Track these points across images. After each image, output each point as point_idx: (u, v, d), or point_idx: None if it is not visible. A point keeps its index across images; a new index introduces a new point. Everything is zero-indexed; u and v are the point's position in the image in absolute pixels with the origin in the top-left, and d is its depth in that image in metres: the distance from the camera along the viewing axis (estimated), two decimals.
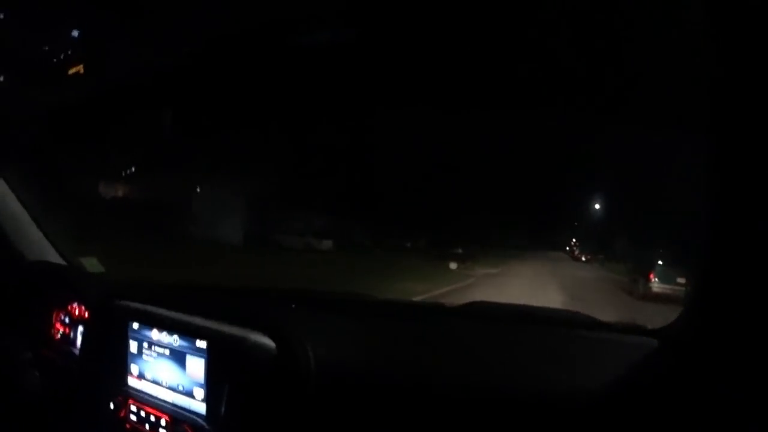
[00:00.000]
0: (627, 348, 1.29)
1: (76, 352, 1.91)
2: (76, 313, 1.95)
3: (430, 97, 1.47)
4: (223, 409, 1.44)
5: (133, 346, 1.67)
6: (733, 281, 0.99)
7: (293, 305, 1.68)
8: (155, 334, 1.61)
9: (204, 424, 1.47)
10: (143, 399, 1.62)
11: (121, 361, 1.69)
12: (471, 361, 1.35)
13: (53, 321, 2.03)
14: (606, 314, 1.59)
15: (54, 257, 2.19)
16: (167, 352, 1.58)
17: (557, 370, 1.26)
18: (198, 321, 1.55)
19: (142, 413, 1.59)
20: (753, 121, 0.79)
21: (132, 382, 1.68)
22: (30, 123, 2.08)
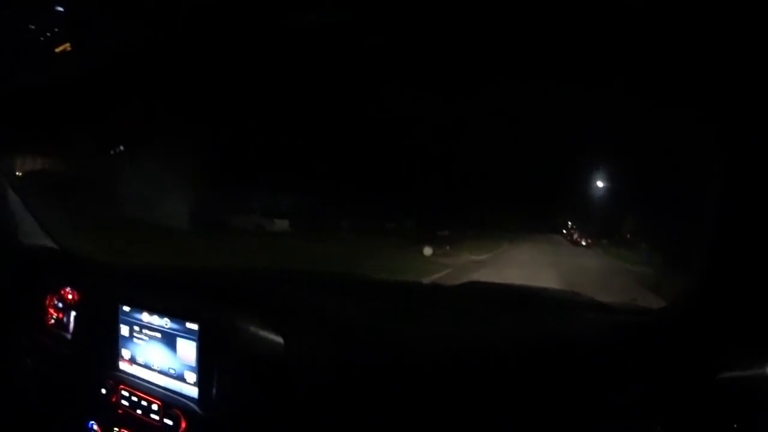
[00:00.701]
0: (627, 327, 1.31)
1: (69, 336, 1.91)
2: (69, 297, 1.95)
3: (420, 70, 1.45)
4: (214, 393, 1.43)
5: (125, 329, 1.66)
6: (734, 265, 1.00)
7: (288, 285, 1.67)
8: (146, 317, 1.60)
9: (196, 408, 1.46)
10: (135, 383, 1.61)
11: (112, 345, 1.68)
12: (468, 341, 1.35)
13: (47, 306, 2.03)
14: None
15: (47, 242, 2.19)
16: (158, 335, 1.57)
17: (557, 350, 1.26)
18: (189, 303, 1.53)
19: (134, 398, 1.58)
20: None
21: (123, 366, 1.67)
22: (20, 105, 2.07)
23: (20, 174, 2.19)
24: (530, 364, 1.22)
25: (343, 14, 1.30)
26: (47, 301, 2.02)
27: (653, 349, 1.22)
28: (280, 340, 1.41)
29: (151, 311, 1.58)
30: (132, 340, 1.64)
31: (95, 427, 1.69)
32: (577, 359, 1.21)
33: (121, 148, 1.99)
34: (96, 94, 1.98)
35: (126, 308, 1.65)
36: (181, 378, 1.52)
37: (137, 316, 1.62)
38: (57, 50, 1.81)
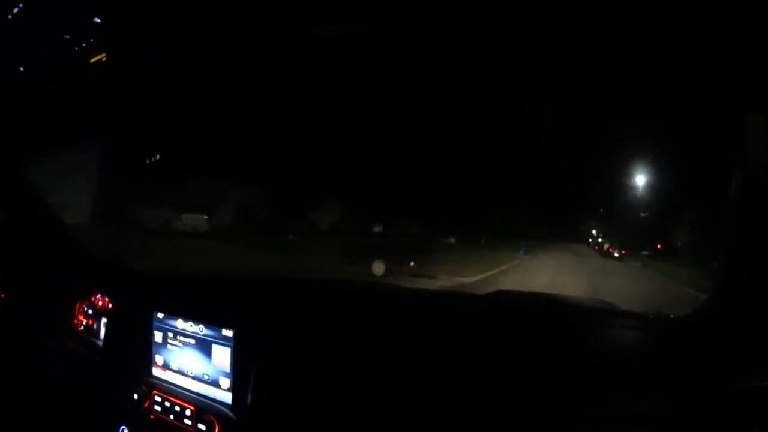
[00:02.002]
0: (652, 335, 1.39)
1: (99, 343, 1.98)
2: (100, 304, 2.03)
3: (444, 76, 1.51)
4: (249, 399, 1.50)
5: (158, 336, 1.73)
6: (758, 276, 1.05)
7: (320, 294, 1.74)
8: (180, 324, 1.67)
9: (229, 413, 1.52)
10: (168, 389, 1.68)
11: (145, 352, 1.75)
12: (495, 349, 1.40)
13: (76, 313, 2.11)
14: None
15: (77, 250, 2.28)
16: (193, 341, 1.64)
17: (584, 357, 1.33)
18: (224, 310, 1.61)
19: (167, 403, 1.65)
20: None
21: (156, 372, 1.73)
22: (52, 114, 2.15)
23: (49, 182, 2.28)
24: (559, 372, 1.28)
25: (367, 25, 1.37)
26: (77, 308, 2.11)
27: (678, 356, 1.29)
28: (313, 347, 1.48)
29: (186, 318, 1.65)
30: (165, 347, 1.71)
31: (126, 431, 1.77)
32: (604, 367, 1.26)
33: (157, 157, 2.07)
34: (128, 104, 2.07)
35: (160, 315, 1.72)
36: (215, 384, 1.58)
37: (171, 322, 1.69)
38: (92, 60, 1.88)
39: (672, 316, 1.46)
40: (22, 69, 1.93)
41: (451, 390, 1.30)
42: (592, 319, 1.50)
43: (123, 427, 1.76)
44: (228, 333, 1.55)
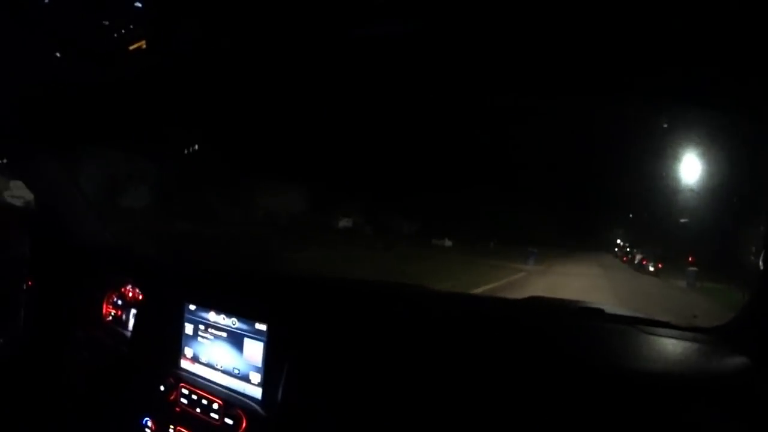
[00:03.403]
0: (685, 344, 1.39)
1: (127, 334, 2.02)
2: (130, 295, 2.08)
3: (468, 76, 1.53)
4: (279, 395, 1.52)
5: (189, 328, 1.76)
6: None
7: (358, 294, 1.76)
8: (213, 316, 1.70)
9: (258, 408, 1.55)
10: (196, 382, 1.70)
11: (174, 344, 1.79)
12: (531, 351, 1.42)
13: (105, 303, 2.16)
14: None
15: (108, 240, 2.34)
16: (224, 334, 1.67)
17: (617, 362, 1.34)
18: (258, 304, 1.64)
19: (194, 396, 1.67)
20: None
21: (185, 364, 1.77)
22: (90, 104, 2.20)
23: (84, 171, 2.35)
24: (592, 379, 1.29)
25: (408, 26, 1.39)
26: (107, 299, 2.16)
27: (713, 366, 1.30)
28: (347, 346, 1.50)
29: (219, 311, 1.68)
30: (196, 339, 1.74)
31: (150, 423, 1.78)
32: (639, 376, 1.28)
33: (195, 147, 2.11)
34: (166, 94, 2.11)
35: (192, 307, 1.75)
36: (245, 378, 1.61)
37: (203, 315, 1.72)
38: (131, 48, 1.91)
39: (707, 326, 1.47)
40: (58, 55, 1.98)
41: (484, 394, 1.31)
42: (627, 326, 1.52)
43: (147, 418, 1.80)
44: (261, 327, 1.58)
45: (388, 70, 1.59)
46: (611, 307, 1.63)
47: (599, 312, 1.58)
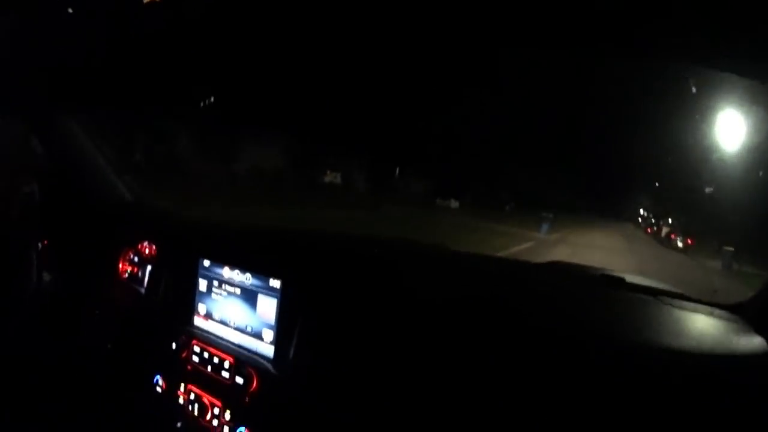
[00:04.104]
0: (704, 319, 1.39)
1: (143, 291, 2.02)
2: (146, 252, 2.08)
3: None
4: (291, 353, 1.50)
5: (203, 284, 1.75)
6: None
7: (376, 250, 1.75)
8: (227, 272, 1.68)
9: (270, 367, 1.53)
10: (208, 339, 1.69)
11: (188, 300, 1.78)
12: (552, 313, 1.40)
13: (122, 260, 2.17)
14: None
15: (125, 196, 2.35)
16: (238, 290, 1.65)
17: (638, 331, 1.32)
18: (273, 259, 1.62)
19: (206, 354, 1.66)
20: None
21: (198, 321, 1.76)
22: (103, 59, 2.20)
23: (99, 128, 2.35)
24: (609, 349, 1.26)
25: None
26: (123, 256, 2.17)
27: (728, 339, 1.29)
28: (361, 304, 1.48)
29: (233, 266, 1.66)
30: (209, 296, 1.73)
31: (161, 381, 1.79)
32: (658, 349, 1.25)
33: (211, 100, 2.10)
34: (181, 49, 2.10)
35: (206, 262, 1.74)
36: (257, 336, 1.59)
37: (217, 270, 1.71)
38: (145, 1, 1.90)
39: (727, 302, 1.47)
40: (70, 10, 1.98)
41: (499, 360, 1.29)
42: (649, 296, 1.50)
43: (158, 376, 1.80)
44: (275, 283, 1.56)
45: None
46: (632, 275, 1.62)
47: (620, 280, 1.56)
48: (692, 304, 1.46)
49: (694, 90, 1.60)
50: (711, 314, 1.41)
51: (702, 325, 1.38)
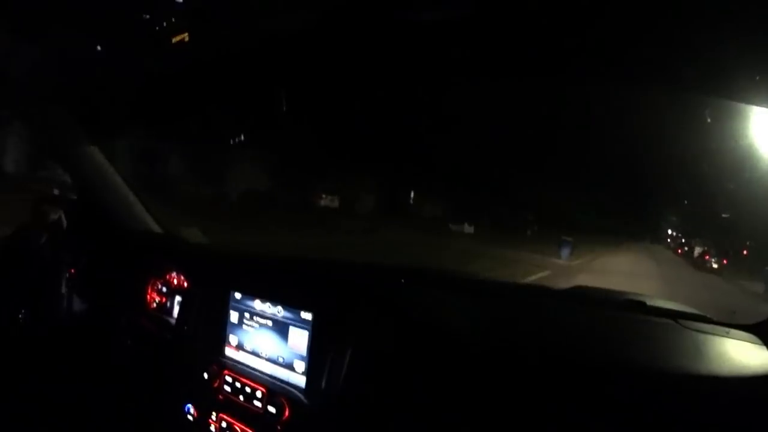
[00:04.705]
0: (724, 341, 1.42)
1: (172, 321, 2.09)
2: (174, 282, 2.14)
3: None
4: (323, 383, 1.56)
5: (234, 316, 1.81)
6: None
7: (402, 280, 1.81)
8: (258, 305, 1.75)
9: (302, 397, 1.58)
10: (240, 370, 1.75)
11: (219, 331, 1.84)
12: (573, 341, 1.46)
13: (149, 290, 2.24)
14: None
15: (153, 227, 2.43)
16: (269, 323, 1.71)
17: (659, 355, 1.38)
18: (304, 292, 1.68)
19: (238, 384, 1.72)
20: None
21: (229, 352, 1.82)
22: (130, 93, 2.28)
23: (127, 159, 2.45)
24: (633, 369, 1.32)
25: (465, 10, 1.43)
26: (150, 285, 2.25)
27: (750, 360, 1.32)
28: (393, 336, 1.53)
29: (264, 299, 1.73)
30: (241, 327, 1.79)
31: (192, 410, 1.84)
32: (679, 366, 1.31)
33: (242, 138, 2.18)
34: (207, 86, 2.18)
35: (237, 295, 1.81)
36: (289, 366, 1.65)
37: (249, 303, 1.77)
38: (174, 40, 1.98)
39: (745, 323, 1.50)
40: (99, 48, 2.06)
41: (526, 386, 1.34)
42: (670, 320, 1.54)
43: (189, 405, 1.86)
44: (307, 316, 1.62)
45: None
46: (652, 298, 1.67)
47: (641, 304, 1.61)
48: (711, 326, 1.50)
49: (708, 120, 1.66)
50: (729, 335, 1.45)
51: (720, 347, 1.41)
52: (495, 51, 1.64)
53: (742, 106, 1.48)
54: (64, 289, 2.31)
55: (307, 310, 1.63)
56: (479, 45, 1.63)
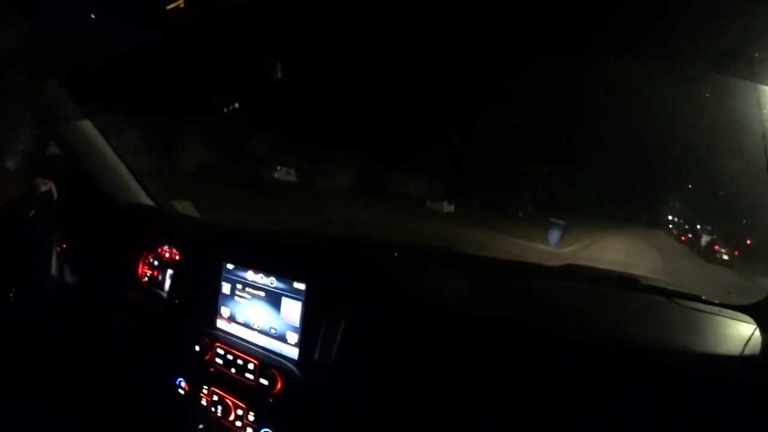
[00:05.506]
0: (720, 320, 1.45)
1: (164, 294, 2.09)
2: (166, 255, 2.13)
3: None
4: (316, 355, 1.55)
5: (226, 287, 1.80)
6: None
7: (395, 254, 1.81)
8: (251, 276, 1.74)
9: (294, 368, 1.58)
10: (231, 342, 1.75)
11: (211, 303, 1.83)
12: (565, 316, 1.48)
13: (141, 263, 2.24)
14: None
15: (145, 200, 2.42)
16: (262, 293, 1.70)
17: (651, 332, 1.40)
18: (297, 262, 1.67)
19: (229, 356, 1.72)
20: None
21: (221, 324, 1.82)
22: (122, 63, 2.26)
23: (119, 131, 2.43)
24: (625, 344, 1.33)
25: None
26: (142, 259, 2.25)
27: (743, 339, 1.34)
28: (387, 308, 1.53)
29: (257, 270, 1.72)
30: (233, 299, 1.78)
31: (183, 384, 1.85)
32: (671, 350, 1.31)
33: (236, 105, 2.17)
34: (202, 54, 2.17)
35: (230, 266, 1.79)
36: (282, 338, 1.64)
37: (241, 274, 1.76)
38: (168, 7, 1.95)
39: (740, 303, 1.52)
40: (93, 16, 2.04)
41: (517, 366, 1.35)
42: (663, 298, 1.57)
43: (180, 379, 1.86)
44: (300, 286, 1.61)
45: None
46: (647, 278, 1.68)
47: (634, 281, 1.62)
48: (705, 306, 1.52)
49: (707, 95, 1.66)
50: (723, 315, 1.47)
51: (714, 327, 1.44)
52: (493, 21, 1.63)
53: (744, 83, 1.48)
54: (54, 263, 2.31)
55: (300, 280, 1.62)
56: (477, 15, 1.62)
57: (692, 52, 1.40)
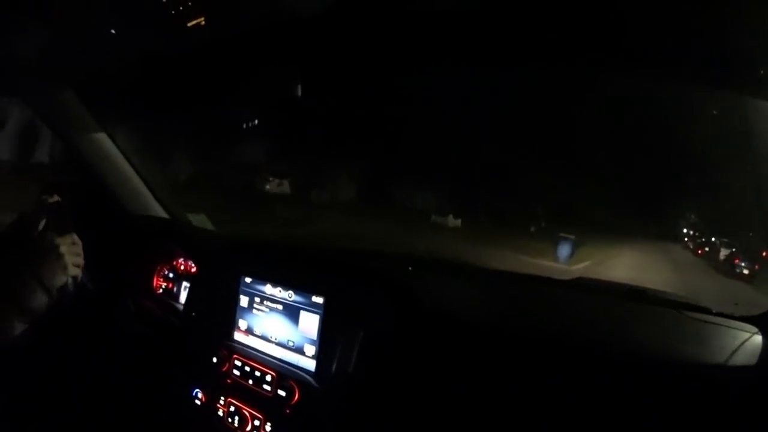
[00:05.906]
0: (729, 331, 1.47)
1: (179, 307, 2.13)
2: (182, 267, 2.18)
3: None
4: (334, 367, 1.60)
5: (244, 300, 1.85)
6: None
7: (409, 267, 1.86)
8: (269, 289, 1.79)
9: (312, 381, 1.62)
10: (249, 354, 1.79)
11: (228, 316, 1.88)
12: (576, 327, 1.53)
13: (156, 275, 2.28)
14: None
15: (160, 212, 2.47)
16: (280, 307, 1.75)
17: (659, 343, 1.43)
18: (316, 276, 1.72)
19: (247, 368, 1.76)
20: None
21: (238, 336, 1.86)
22: (138, 75, 2.30)
23: (136, 144, 2.48)
24: (635, 356, 1.36)
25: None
26: (157, 271, 2.29)
27: (752, 351, 1.36)
28: (404, 321, 1.57)
29: (276, 283, 1.77)
30: (251, 311, 1.83)
31: (200, 394, 1.89)
32: (680, 355, 1.36)
33: (255, 122, 2.22)
34: (221, 70, 2.22)
35: (248, 279, 1.84)
36: (299, 350, 1.69)
37: (260, 287, 1.81)
38: (189, 24, 2.00)
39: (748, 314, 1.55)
40: (113, 32, 2.09)
41: (529, 379, 1.38)
42: (672, 310, 1.61)
43: (197, 389, 1.90)
44: (318, 300, 1.66)
45: None
46: (656, 290, 1.72)
47: (642, 293, 1.67)
48: (713, 317, 1.55)
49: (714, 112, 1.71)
50: (732, 327, 1.50)
51: (721, 338, 1.46)
52: (505, 39, 1.67)
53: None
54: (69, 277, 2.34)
55: (318, 294, 1.66)
56: (488, 33, 1.66)
57: (724, 76, 1.43)
